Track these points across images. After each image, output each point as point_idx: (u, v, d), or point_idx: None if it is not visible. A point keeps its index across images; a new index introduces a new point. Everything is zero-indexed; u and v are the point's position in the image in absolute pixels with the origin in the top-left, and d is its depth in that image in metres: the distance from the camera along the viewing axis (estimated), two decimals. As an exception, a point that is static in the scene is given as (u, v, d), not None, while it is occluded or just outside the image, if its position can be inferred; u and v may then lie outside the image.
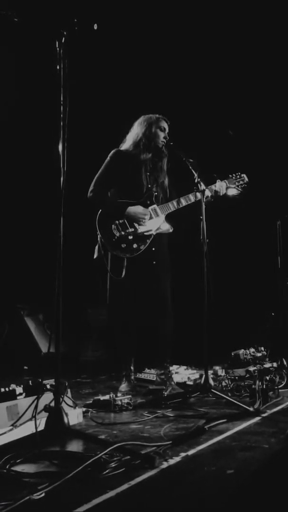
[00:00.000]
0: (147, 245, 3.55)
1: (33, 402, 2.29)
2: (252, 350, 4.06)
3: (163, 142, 3.66)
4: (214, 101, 5.31)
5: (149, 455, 1.92)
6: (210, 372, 3.51)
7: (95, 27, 2.51)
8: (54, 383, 2.35)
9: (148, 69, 5.27)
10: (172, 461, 1.92)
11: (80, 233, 4.05)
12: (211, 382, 3.16)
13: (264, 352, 4.13)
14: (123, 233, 3.51)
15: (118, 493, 1.61)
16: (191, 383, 3.78)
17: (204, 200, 3.32)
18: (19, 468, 1.84)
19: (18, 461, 1.91)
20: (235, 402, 2.92)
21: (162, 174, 3.75)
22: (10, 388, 2.44)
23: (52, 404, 2.29)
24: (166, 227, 3.64)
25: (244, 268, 5.49)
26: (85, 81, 4.57)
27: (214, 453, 2.04)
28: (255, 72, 5.31)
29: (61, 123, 2.48)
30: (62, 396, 2.39)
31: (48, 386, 2.46)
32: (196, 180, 3.37)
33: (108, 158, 3.70)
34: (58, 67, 2.50)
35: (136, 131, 3.72)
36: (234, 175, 3.77)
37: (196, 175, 3.37)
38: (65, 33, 2.50)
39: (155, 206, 3.62)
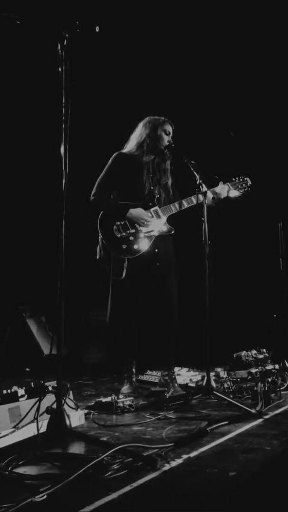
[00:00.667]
0: (149, 247, 3.55)
1: (35, 404, 2.29)
2: (254, 352, 4.05)
3: (167, 145, 3.66)
4: (215, 103, 5.31)
5: (151, 457, 1.92)
6: (212, 374, 3.51)
7: (97, 29, 2.52)
8: (56, 385, 2.35)
9: (150, 71, 5.28)
10: (174, 463, 1.92)
11: (82, 234, 4.05)
12: (213, 384, 3.16)
13: (266, 354, 4.12)
14: (124, 234, 3.52)
15: (120, 495, 1.61)
16: (193, 385, 3.77)
17: (206, 203, 3.31)
18: (21, 470, 1.84)
19: (20, 463, 1.91)
20: (237, 404, 2.92)
21: (165, 175, 3.75)
22: (12, 390, 2.44)
23: (54, 406, 2.29)
24: (167, 229, 3.64)
25: (246, 270, 5.48)
26: (87, 83, 4.57)
27: (216, 455, 2.04)
28: (257, 74, 5.31)
29: (63, 125, 2.48)
30: (64, 398, 2.39)
31: (50, 388, 2.46)
32: (198, 182, 3.37)
33: (110, 161, 3.71)
34: (60, 69, 2.50)
35: (140, 131, 3.72)
36: (237, 178, 3.77)
37: (198, 176, 3.37)
38: (67, 35, 2.51)
39: (156, 207, 3.63)
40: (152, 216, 3.59)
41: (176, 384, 3.60)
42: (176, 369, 3.91)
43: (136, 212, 3.55)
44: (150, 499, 1.62)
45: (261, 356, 4.03)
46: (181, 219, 3.67)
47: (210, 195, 3.54)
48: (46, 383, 2.48)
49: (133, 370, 3.73)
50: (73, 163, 2.51)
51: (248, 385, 3.43)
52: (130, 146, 3.75)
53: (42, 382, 2.47)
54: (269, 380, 3.41)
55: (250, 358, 3.95)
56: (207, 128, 5.18)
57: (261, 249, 5.18)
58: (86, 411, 2.88)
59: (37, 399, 2.30)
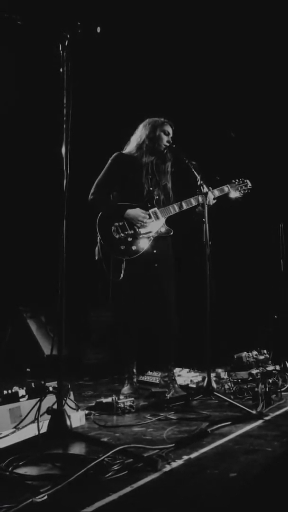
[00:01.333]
0: (147, 248, 3.55)
1: (35, 404, 2.29)
2: (254, 352, 4.04)
3: (166, 145, 3.66)
4: (216, 104, 5.31)
5: (152, 458, 1.92)
6: (212, 374, 3.51)
7: (98, 30, 2.52)
8: (56, 386, 2.34)
9: (151, 71, 5.28)
10: (175, 464, 1.92)
11: (83, 235, 4.05)
12: (214, 384, 3.16)
13: (267, 355, 4.12)
14: (122, 235, 3.52)
15: (121, 496, 1.60)
16: (193, 385, 3.77)
17: (207, 204, 3.32)
18: (21, 470, 1.84)
19: (21, 463, 1.91)
20: (238, 405, 2.92)
21: (165, 177, 3.75)
22: (13, 390, 2.44)
23: (55, 406, 2.28)
24: (166, 230, 3.64)
25: (247, 271, 5.48)
26: (88, 83, 4.57)
27: (217, 456, 2.04)
28: (257, 76, 5.31)
29: (64, 126, 2.48)
30: (65, 398, 2.39)
31: (50, 389, 2.46)
32: (198, 183, 3.37)
33: (110, 161, 3.71)
34: (61, 70, 2.50)
35: (140, 133, 3.73)
36: (237, 180, 3.77)
37: (198, 177, 3.37)
38: (68, 35, 2.51)
39: (155, 209, 3.62)
40: (150, 217, 3.59)
41: (176, 385, 3.60)
42: (177, 369, 3.91)
43: (133, 212, 3.55)
44: (150, 500, 1.62)
45: (261, 357, 4.03)
46: (178, 220, 3.67)
47: (211, 195, 3.54)
48: (47, 384, 2.48)
49: (134, 370, 3.73)
50: (74, 163, 2.51)
51: (248, 386, 3.42)
52: (130, 147, 3.75)
53: (42, 382, 2.47)
54: (270, 381, 3.41)
55: (251, 359, 3.95)
56: (208, 129, 5.18)
57: (262, 250, 5.18)
58: (86, 411, 2.88)
59: (37, 399, 2.30)
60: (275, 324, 4.84)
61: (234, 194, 3.76)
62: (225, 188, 3.73)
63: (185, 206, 3.63)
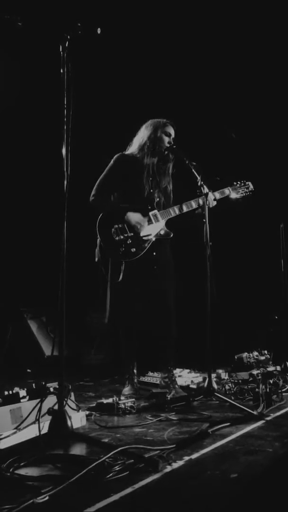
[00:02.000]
0: (146, 250, 3.54)
1: (36, 405, 2.29)
2: (255, 353, 4.04)
3: (167, 146, 3.66)
4: (217, 106, 5.32)
5: (152, 459, 1.92)
6: (213, 375, 3.51)
7: (99, 31, 2.52)
8: (57, 386, 2.35)
9: (153, 72, 5.28)
10: (175, 465, 1.92)
11: (84, 236, 4.05)
12: (215, 385, 3.16)
13: (268, 356, 4.12)
14: (122, 237, 3.51)
15: (122, 496, 1.60)
16: (194, 386, 3.77)
17: (207, 205, 3.32)
18: (22, 471, 1.84)
19: (22, 464, 1.91)
20: (239, 405, 2.92)
21: (166, 179, 3.75)
22: (14, 391, 2.44)
23: (56, 407, 2.29)
24: (166, 233, 3.64)
25: (248, 271, 5.48)
26: (89, 84, 4.58)
27: (217, 457, 2.04)
28: (258, 76, 5.31)
29: (65, 127, 2.48)
30: (66, 399, 2.39)
31: (51, 389, 2.46)
32: (199, 183, 3.37)
33: (111, 162, 3.71)
34: (62, 71, 2.51)
35: (142, 134, 3.73)
36: (238, 182, 3.77)
37: (199, 178, 3.37)
38: (68, 37, 2.51)
39: (155, 211, 3.62)
40: (150, 221, 3.58)
41: (176, 386, 3.60)
42: (178, 370, 3.91)
43: (133, 216, 3.54)
44: (151, 500, 1.62)
45: (262, 358, 4.03)
46: (178, 222, 3.67)
47: (211, 196, 3.54)
48: (48, 385, 2.48)
49: (135, 371, 3.73)
50: (75, 165, 2.52)
51: (249, 386, 3.42)
52: (132, 148, 3.75)
53: (43, 383, 2.47)
54: (271, 381, 3.41)
55: (252, 359, 3.95)
56: (209, 131, 5.18)
57: (262, 250, 5.18)
58: (87, 412, 2.88)
59: (38, 400, 2.30)
60: (276, 324, 4.84)
61: (234, 195, 3.76)
62: (226, 191, 3.74)
63: (185, 209, 3.63)
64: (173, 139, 3.69)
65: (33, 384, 2.56)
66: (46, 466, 1.91)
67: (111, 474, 1.78)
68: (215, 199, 3.63)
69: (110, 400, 3.04)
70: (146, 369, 4.01)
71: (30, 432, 2.25)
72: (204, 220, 3.27)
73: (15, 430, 2.23)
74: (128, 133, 3.86)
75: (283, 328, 4.62)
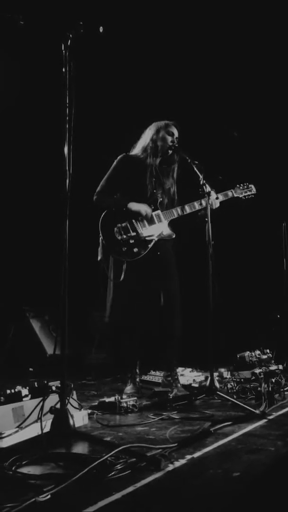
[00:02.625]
0: (149, 250, 3.54)
1: (38, 403, 2.30)
2: (257, 352, 4.04)
3: (170, 145, 3.66)
4: (220, 105, 5.31)
5: (155, 458, 1.92)
6: (215, 374, 3.51)
7: (101, 29, 2.52)
8: (59, 385, 2.35)
9: (155, 71, 5.28)
10: (177, 464, 1.92)
11: (86, 235, 4.06)
12: (217, 384, 3.16)
13: (270, 354, 4.12)
14: (124, 236, 3.51)
15: (124, 495, 1.60)
16: (196, 385, 3.77)
17: (210, 203, 3.32)
18: (25, 470, 1.85)
19: (24, 463, 1.91)
20: (241, 404, 2.92)
21: (169, 180, 3.75)
22: (16, 390, 2.44)
23: (58, 406, 2.29)
24: (168, 233, 3.64)
25: (250, 270, 5.48)
26: (91, 83, 4.58)
27: (220, 455, 2.04)
28: (260, 76, 5.30)
29: (67, 126, 2.48)
30: (68, 398, 2.39)
31: (53, 388, 2.46)
32: (201, 182, 3.37)
33: (115, 162, 3.72)
34: (64, 70, 2.50)
35: (145, 137, 3.76)
36: (241, 184, 3.78)
37: (201, 177, 3.37)
38: (70, 35, 2.51)
39: (158, 211, 3.62)
40: (153, 221, 3.58)
41: (179, 385, 3.60)
42: (180, 369, 3.91)
43: (137, 206, 3.53)
44: (153, 499, 1.62)
45: (264, 357, 4.03)
46: (180, 222, 3.67)
47: (213, 195, 3.54)
48: (50, 383, 2.48)
49: (137, 370, 3.73)
50: (77, 164, 2.51)
51: (251, 385, 3.42)
52: (136, 150, 3.77)
53: (45, 382, 2.48)
54: (273, 380, 3.41)
55: (254, 358, 3.95)
56: (211, 130, 5.18)
57: (265, 249, 5.18)
58: (89, 411, 2.89)
59: (40, 399, 2.31)
60: (278, 323, 4.84)
61: (238, 197, 3.79)
62: (229, 193, 3.76)
63: (188, 210, 3.63)
64: (177, 139, 3.69)
65: (35, 383, 2.56)
66: (48, 464, 1.92)
67: (113, 473, 1.78)
68: (217, 198, 3.63)
69: (112, 399, 3.05)
70: (148, 367, 4.01)
71: (32, 431, 2.26)
72: (206, 219, 3.27)
73: (17, 428, 2.23)
74: (130, 133, 3.87)
75: (285, 327, 4.62)
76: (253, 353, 4.00)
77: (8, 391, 2.42)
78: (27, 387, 2.49)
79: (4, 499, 1.54)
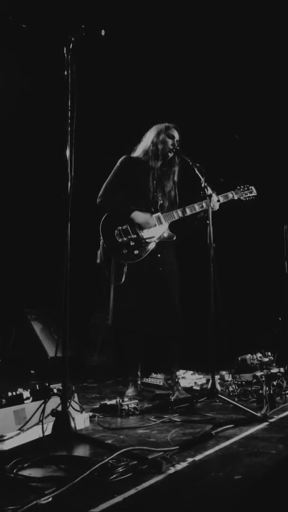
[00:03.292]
0: (150, 252, 3.54)
1: (40, 406, 2.30)
2: (259, 355, 4.04)
3: (170, 148, 3.67)
4: (221, 108, 5.32)
5: (156, 460, 1.91)
6: (217, 377, 3.50)
7: (103, 33, 2.53)
8: (61, 388, 2.35)
9: (156, 74, 5.29)
10: (179, 466, 1.91)
11: (88, 237, 4.06)
12: (218, 387, 3.15)
13: (271, 357, 4.12)
14: (125, 239, 3.51)
15: (126, 498, 1.60)
16: (197, 388, 3.77)
17: (211, 206, 3.32)
18: (26, 472, 1.84)
19: (25, 465, 1.91)
20: (242, 407, 2.91)
21: (170, 182, 3.75)
22: (17, 392, 2.44)
23: (59, 408, 2.29)
24: (169, 235, 3.64)
25: (251, 273, 5.48)
26: (92, 86, 4.59)
27: (221, 458, 2.03)
28: (261, 78, 5.31)
29: (69, 128, 2.49)
30: (69, 400, 2.39)
31: (55, 391, 2.46)
32: (202, 185, 3.37)
33: (118, 164, 3.72)
34: (65, 73, 2.51)
35: (146, 140, 3.76)
36: (242, 186, 3.78)
37: (202, 179, 3.37)
38: (72, 39, 2.52)
39: (159, 214, 3.62)
40: (155, 224, 3.59)
41: (180, 387, 3.60)
42: (181, 372, 3.90)
43: (139, 215, 3.54)
44: (155, 502, 1.62)
45: (266, 359, 4.03)
46: (180, 225, 3.67)
47: (215, 198, 3.54)
48: (51, 386, 2.49)
49: (138, 373, 3.72)
50: (79, 166, 2.52)
51: (253, 388, 3.42)
52: (138, 152, 3.78)
53: (47, 384, 2.48)
54: (274, 383, 3.41)
55: (255, 361, 3.95)
56: (213, 132, 5.19)
57: (266, 251, 5.18)
58: (91, 413, 2.88)
59: (42, 401, 2.31)
60: (279, 326, 4.84)
61: (238, 199, 3.78)
62: (230, 195, 3.75)
63: (188, 212, 3.63)
64: (177, 141, 3.69)
65: (37, 385, 2.56)
66: (49, 467, 1.91)
67: (114, 476, 1.78)
68: (218, 201, 3.63)
69: (113, 402, 3.05)
70: (150, 370, 4.01)
71: (33, 433, 2.26)
72: (207, 221, 3.27)
73: (18, 431, 2.23)
74: (131, 135, 3.87)
75: (286, 329, 4.62)
76: (254, 356, 4.01)
77: (10, 394, 2.42)
78: (29, 390, 2.49)
79: (5, 501, 1.54)
